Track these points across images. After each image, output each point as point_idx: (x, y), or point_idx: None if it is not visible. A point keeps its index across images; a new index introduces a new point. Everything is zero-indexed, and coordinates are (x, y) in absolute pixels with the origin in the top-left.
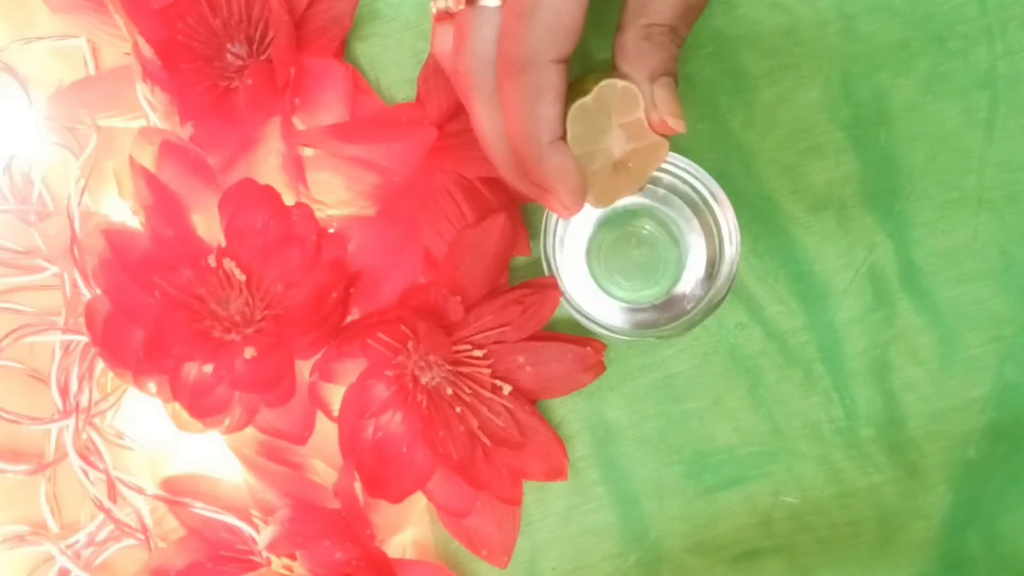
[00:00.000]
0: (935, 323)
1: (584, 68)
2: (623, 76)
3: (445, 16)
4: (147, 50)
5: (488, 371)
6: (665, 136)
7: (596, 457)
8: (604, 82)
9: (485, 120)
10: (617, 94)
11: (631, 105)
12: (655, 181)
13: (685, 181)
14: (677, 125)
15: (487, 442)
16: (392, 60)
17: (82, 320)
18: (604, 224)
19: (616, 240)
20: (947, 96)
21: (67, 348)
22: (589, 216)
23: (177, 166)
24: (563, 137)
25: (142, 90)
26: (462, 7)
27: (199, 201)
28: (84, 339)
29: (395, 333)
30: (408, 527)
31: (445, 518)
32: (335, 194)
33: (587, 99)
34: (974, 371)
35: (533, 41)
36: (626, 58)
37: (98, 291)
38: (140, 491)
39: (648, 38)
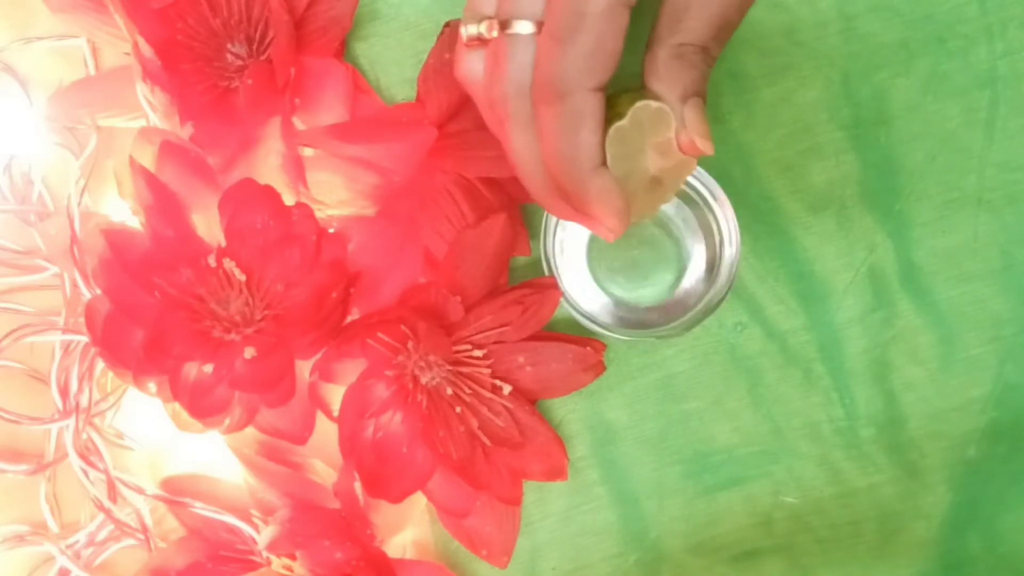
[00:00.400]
0: (935, 323)
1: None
2: (652, 94)
3: (477, 42)
4: (147, 50)
5: (488, 371)
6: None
7: (596, 457)
8: (638, 104)
9: (522, 148)
10: (651, 115)
11: (663, 126)
12: None
13: (685, 181)
14: (705, 147)
15: (487, 442)
16: (392, 60)
17: (82, 320)
18: None
19: (616, 240)
20: (947, 96)
21: (67, 348)
22: None
23: (177, 166)
24: (604, 162)
25: (142, 90)
26: (495, 34)
27: (199, 201)
28: (84, 339)
29: (395, 333)
30: (408, 527)
31: (445, 518)
32: (335, 194)
33: (624, 122)
34: (974, 371)
35: (572, 69)
36: (657, 77)
37: (98, 291)
38: (140, 491)
39: (680, 57)
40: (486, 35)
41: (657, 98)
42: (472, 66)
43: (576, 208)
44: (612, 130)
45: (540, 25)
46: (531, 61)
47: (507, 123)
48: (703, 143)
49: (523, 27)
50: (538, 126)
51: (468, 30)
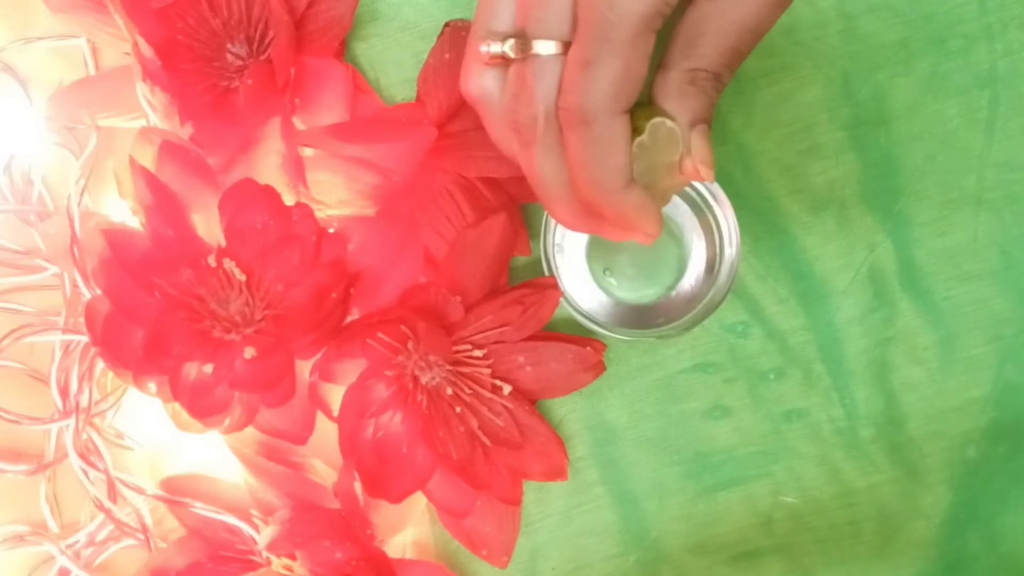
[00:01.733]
0: (935, 323)
1: None
2: (662, 111)
3: (500, 61)
4: (147, 50)
5: (488, 371)
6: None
7: (596, 457)
8: (655, 120)
9: (549, 170)
10: (665, 133)
11: (673, 147)
12: None
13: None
14: (708, 176)
15: (487, 442)
16: (392, 60)
17: (82, 320)
18: None
19: (617, 241)
20: (947, 96)
21: (67, 348)
22: None
23: (177, 166)
24: (632, 177)
25: (142, 90)
26: (520, 55)
27: (199, 201)
28: (84, 339)
29: (395, 333)
30: (408, 527)
31: (445, 518)
32: (335, 194)
33: (644, 137)
34: (974, 371)
35: (600, 95)
36: (668, 98)
37: (98, 291)
38: (140, 491)
39: (692, 83)
40: (511, 55)
41: (668, 115)
42: (486, 84)
43: (613, 223)
44: (635, 145)
45: (564, 46)
46: (556, 83)
47: (533, 146)
48: (706, 171)
49: (548, 47)
50: (566, 150)
51: (491, 48)
